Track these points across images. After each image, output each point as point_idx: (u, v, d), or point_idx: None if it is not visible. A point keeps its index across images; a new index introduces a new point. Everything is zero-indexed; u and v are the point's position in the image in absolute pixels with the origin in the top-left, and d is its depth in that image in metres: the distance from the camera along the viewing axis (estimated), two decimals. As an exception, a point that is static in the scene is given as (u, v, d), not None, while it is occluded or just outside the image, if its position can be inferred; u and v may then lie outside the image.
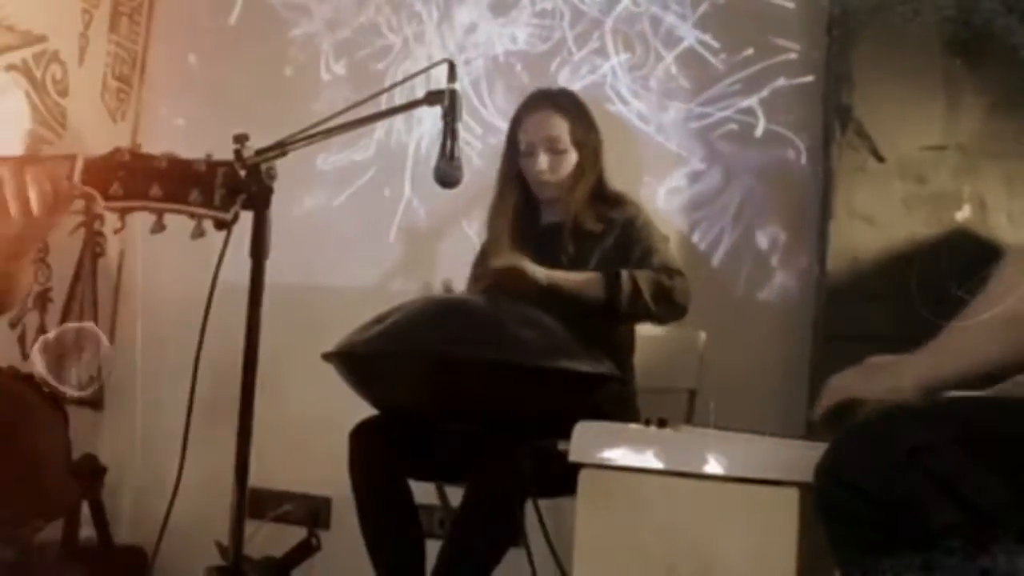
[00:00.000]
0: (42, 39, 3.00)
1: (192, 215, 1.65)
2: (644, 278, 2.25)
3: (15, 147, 2.70)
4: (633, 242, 2.34)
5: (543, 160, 2.39)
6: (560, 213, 2.43)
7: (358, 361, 2.08)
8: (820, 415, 1.52)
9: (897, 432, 1.33)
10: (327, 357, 2.09)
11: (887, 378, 1.44)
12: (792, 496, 1.65)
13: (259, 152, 1.72)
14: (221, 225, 1.66)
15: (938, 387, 1.40)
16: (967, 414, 1.34)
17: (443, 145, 1.89)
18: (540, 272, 2.27)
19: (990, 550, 1.24)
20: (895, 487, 1.28)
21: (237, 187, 1.64)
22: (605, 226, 2.37)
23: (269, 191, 1.70)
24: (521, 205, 2.45)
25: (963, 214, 2.40)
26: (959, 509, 1.25)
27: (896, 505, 1.28)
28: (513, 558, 2.19)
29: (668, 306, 2.27)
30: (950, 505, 1.26)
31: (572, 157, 2.41)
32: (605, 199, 2.42)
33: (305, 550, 2.66)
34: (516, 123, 2.44)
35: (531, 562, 2.33)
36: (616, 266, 2.30)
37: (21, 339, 2.99)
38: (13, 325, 2.96)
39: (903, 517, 1.27)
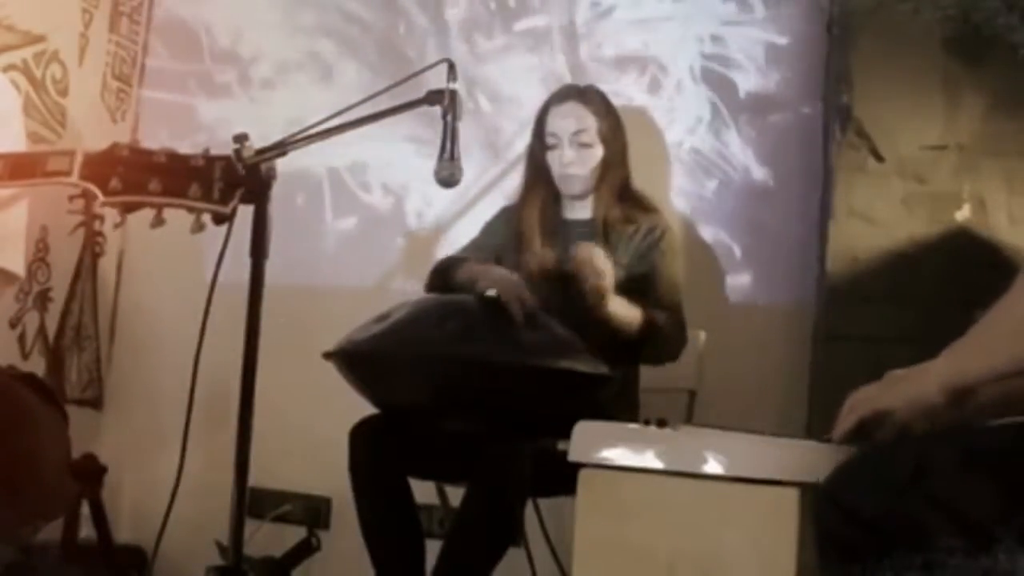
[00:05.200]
0: (42, 39, 3.00)
1: (191, 209, 1.65)
2: (664, 329, 2.27)
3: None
4: (656, 261, 2.34)
5: (569, 154, 2.38)
6: (586, 209, 2.43)
7: (359, 360, 2.08)
8: (844, 432, 1.47)
9: (898, 457, 1.32)
10: (328, 356, 2.09)
11: (910, 386, 1.40)
12: (792, 496, 1.65)
13: (259, 152, 1.72)
14: (220, 219, 1.67)
15: (964, 390, 1.36)
16: (967, 437, 1.33)
17: (443, 145, 1.88)
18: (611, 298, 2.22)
19: (991, 550, 1.24)
20: (896, 513, 1.28)
21: (235, 181, 1.65)
22: (633, 227, 2.37)
23: (268, 184, 1.70)
24: (549, 199, 2.43)
25: (963, 214, 2.40)
26: (960, 531, 1.24)
27: (896, 530, 1.28)
28: (513, 558, 2.19)
29: (664, 356, 2.31)
30: (951, 528, 1.25)
31: (598, 152, 2.39)
32: (632, 199, 2.42)
33: (305, 550, 2.67)
34: (543, 116, 2.43)
35: (531, 562, 2.34)
36: (636, 273, 2.31)
37: (21, 339, 2.98)
38: (13, 325, 2.96)
39: (902, 541, 1.27)
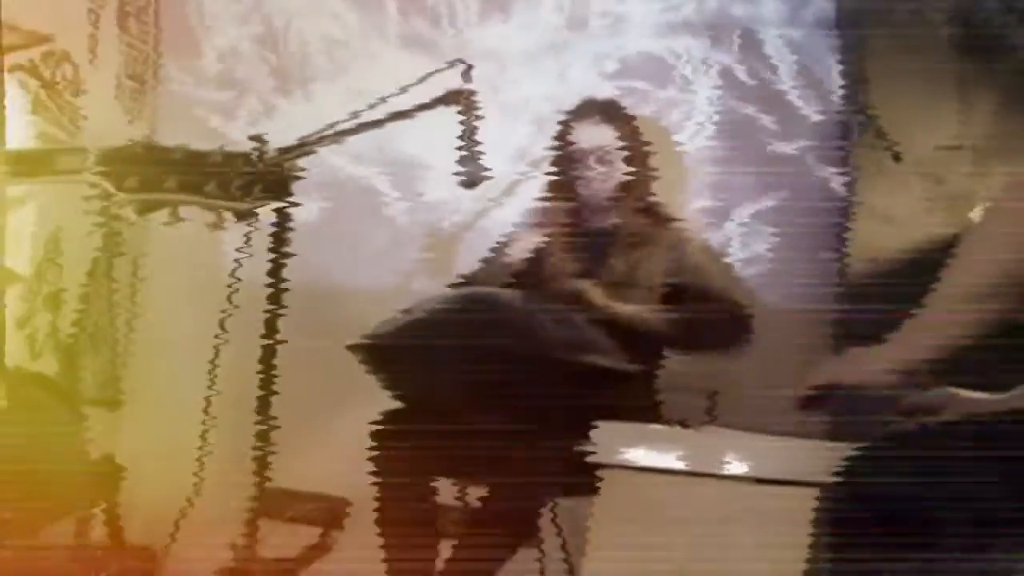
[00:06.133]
0: (49, 39, 2.99)
1: (208, 206, 1.64)
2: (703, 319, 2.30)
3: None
4: (688, 268, 2.36)
5: (591, 170, 2.42)
6: (606, 220, 2.46)
7: (382, 350, 2.08)
8: (800, 396, 1.55)
9: (912, 447, 1.36)
10: (352, 348, 2.09)
11: (862, 364, 1.50)
12: (809, 497, 1.65)
13: (282, 151, 1.72)
14: (242, 216, 1.66)
15: (909, 369, 1.44)
16: (980, 428, 1.36)
17: (463, 146, 1.89)
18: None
19: (990, 547, 1.25)
20: (909, 503, 1.29)
21: (254, 178, 1.64)
22: (655, 239, 2.40)
23: (289, 187, 1.70)
24: (570, 210, 2.46)
25: (978, 214, 2.40)
26: (972, 522, 1.26)
27: (909, 520, 1.29)
28: (519, 557, 2.19)
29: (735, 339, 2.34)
30: (964, 520, 1.26)
31: (620, 168, 2.43)
32: (652, 212, 2.45)
33: (317, 551, 2.66)
34: (566, 129, 2.46)
35: (541, 562, 2.34)
36: (664, 284, 2.34)
37: (30, 339, 2.98)
38: (21, 325, 2.95)
39: (915, 531, 1.28)
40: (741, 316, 2.33)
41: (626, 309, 2.29)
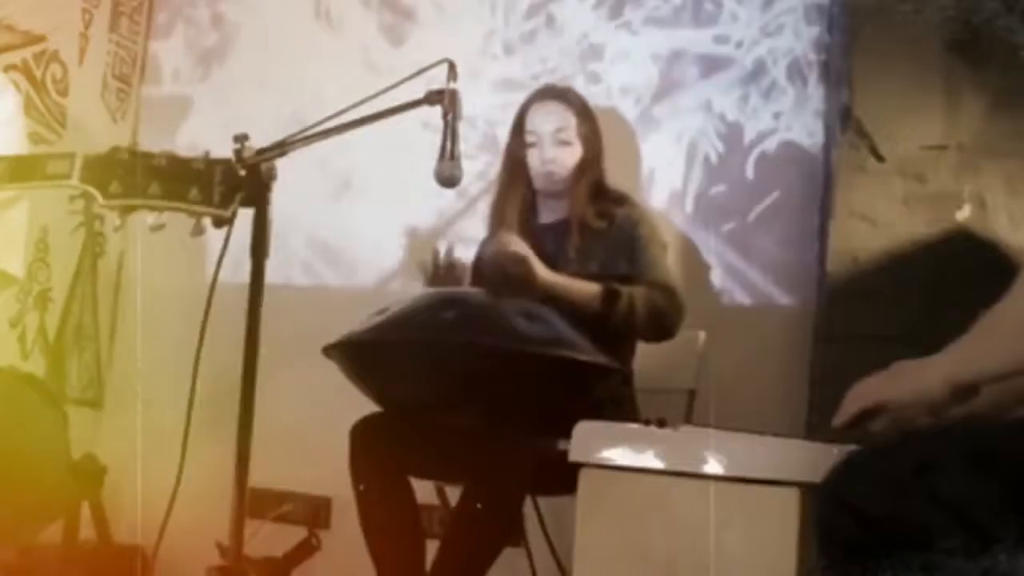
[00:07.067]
0: (42, 39, 3.01)
1: (191, 213, 1.65)
2: (641, 298, 2.24)
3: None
4: (634, 247, 2.34)
5: (550, 151, 2.40)
6: (561, 211, 2.43)
7: (358, 350, 2.08)
8: (843, 422, 1.49)
9: (901, 454, 1.33)
10: (328, 350, 2.09)
11: (913, 380, 1.42)
12: (792, 496, 1.66)
13: (259, 152, 1.72)
14: (220, 223, 1.67)
15: (965, 386, 1.38)
16: (971, 434, 1.34)
17: (443, 145, 1.88)
18: (542, 270, 2.24)
19: (990, 551, 1.24)
20: (899, 511, 1.28)
21: (236, 184, 1.65)
22: (607, 223, 2.37)
23: (268, 188, 1.70)
24: (527, 199, 2.45)
25: (963, 214, 2.40)
26: (963, 530, 1.25)
27: (899, 528, 1.28)
28: (513, 558, 2.19)
29: (658, 328, 2.27)
30: (955, 527, 1.25)
31: (577, 151, 2.41)
32: (606, 197, 2.43)
33: (305, 550, 2.66)
34: (523, 114, 2.45)
35: (531, 562, 2.35)
36: (617, 267, 2.30)
37: (21, 339, 2.99)
38: (13, 325, 2.96)
39: (905, 539, 1.27)
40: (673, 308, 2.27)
41: (565, 284, 2.23)
